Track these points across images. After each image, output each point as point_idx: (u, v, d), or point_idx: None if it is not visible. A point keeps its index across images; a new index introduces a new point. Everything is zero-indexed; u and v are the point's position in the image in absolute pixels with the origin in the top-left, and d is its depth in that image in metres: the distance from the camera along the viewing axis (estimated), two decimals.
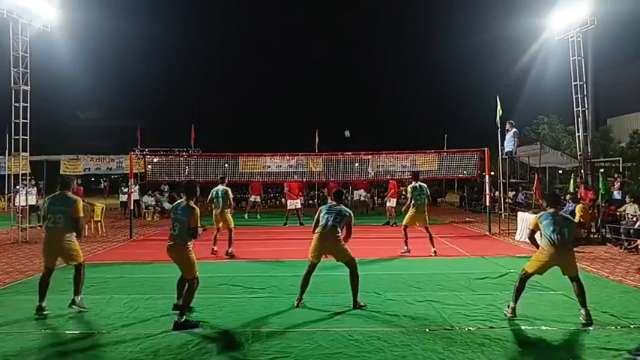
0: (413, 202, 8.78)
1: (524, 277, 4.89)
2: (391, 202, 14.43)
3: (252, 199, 17.30)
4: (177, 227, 4.70)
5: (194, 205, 4.80)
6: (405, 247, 8.73)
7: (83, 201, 13.83)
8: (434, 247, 8.72)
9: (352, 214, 5.41)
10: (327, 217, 5.29)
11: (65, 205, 5.06)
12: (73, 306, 5.07)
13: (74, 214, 5.05)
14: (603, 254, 8.79)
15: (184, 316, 4.57)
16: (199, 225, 4.77)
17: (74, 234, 5.13)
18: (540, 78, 22.91)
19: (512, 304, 4.90)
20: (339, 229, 5.25)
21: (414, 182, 8.94)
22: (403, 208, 9.03)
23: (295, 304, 5.21)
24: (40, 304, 4.97)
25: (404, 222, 8.87)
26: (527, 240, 10.10)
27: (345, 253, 5.27)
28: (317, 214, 5.47)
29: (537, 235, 4.97)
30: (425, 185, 8.97)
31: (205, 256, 8.37)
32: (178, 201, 4.98)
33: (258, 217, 16.56)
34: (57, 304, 5.30)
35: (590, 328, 4.53)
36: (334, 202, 5.52)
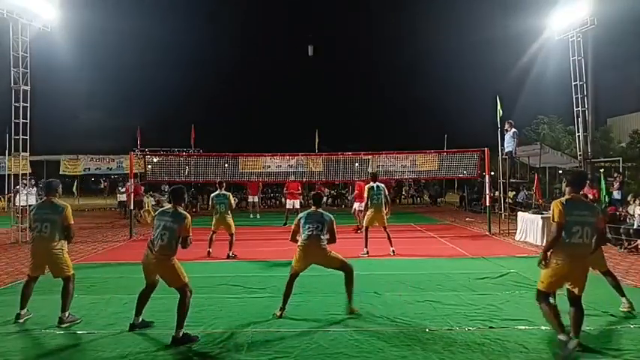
0: (370, 202, 8.76)
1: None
2: (359, 206, 12.13)
3: (250, 199, 17.36)
4: (167, 236, 4.31)
5: (185, 213, 4.46)
6: (365, 249, 8.63)
7: (141, 196, 15.20)
8: (392, 246, 8.70)
9: (333, 218, 5.11)
10: (309, 227, 4.97)
11: (53, 213, 4.77)
12: (62, 325, 4.65)
13: (65, 222, 4.78)
14: None
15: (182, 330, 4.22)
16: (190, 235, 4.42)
17: (65, 243, 4.84)
18: (540, 78, 22.92)
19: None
20: (323, 237, 4.96)
21: (371, 182, 8.97)
22: (363, 210, 8.79)
23: (277, 315, 4.87)
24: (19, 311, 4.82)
25: (364, 223, 8.90)
26: (527, 240, 10.25)
27: (335, 259, 5.02)
28: (295, 222, 5.15)
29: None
30: (382, 185, 8.97)
31: (204, 257, 8.38)
32: (166, 207, 4.60)
33: (258, 216, 16.57)
34: (57, 304, 5.29)
35: (630, 321, 4.64)
36: (313, 208, 5.19)
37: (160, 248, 4.32)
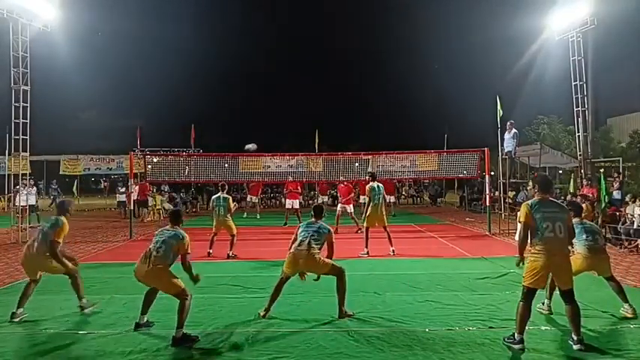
0: (371, 202, 8.76)
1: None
2: (350, 208, 12.63)
3: (249, 199, 17.36)
4: (163, 250, 4.36)
5: (184, 233, 4.51)
6: (365, 249, 8.62)
7: (147, 195, 15.81)
8: (392, 246, 8.69)
9: (332, 231, 5.12)
10: (304, 234, 4.97)
11: (50, 228, 5.03)
12: (85, 310, 5.07)
13: (52, 237, 4.96)
14: None
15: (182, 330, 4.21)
16: (189, 252, 4.47)
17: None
18: (540, 78, 22.96)
19: (546, 301, 4.99)
20: (315, 246, 4.89)
21: (371, 182, 9.01)
22: (362, 210, 8.85)
23: (261, 315, 4.88)
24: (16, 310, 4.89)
25: (365, 223, 8.89)
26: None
27: (326, 266, 4.94)
28: (295, 231, 5.17)
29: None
30: (381, 185, 9.02)
31: (203, 257, 8.38)
32: (165, 227, 4.67)
33: (258, 216, 16.56)
34: (57, 304, 5.30)
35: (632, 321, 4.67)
36: (313, 219, 5.20)
37: (154, 259, 4.35)
